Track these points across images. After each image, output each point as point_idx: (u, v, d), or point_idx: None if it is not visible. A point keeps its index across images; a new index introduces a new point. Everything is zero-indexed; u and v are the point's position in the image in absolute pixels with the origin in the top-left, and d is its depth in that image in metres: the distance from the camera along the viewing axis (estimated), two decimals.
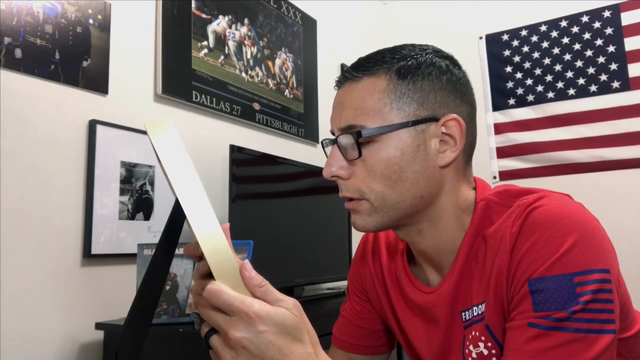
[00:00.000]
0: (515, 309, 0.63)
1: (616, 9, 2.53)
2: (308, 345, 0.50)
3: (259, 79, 2.12)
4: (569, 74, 2.61)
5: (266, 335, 0.47)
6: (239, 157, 1.69)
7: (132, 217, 1.54)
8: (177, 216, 0.50)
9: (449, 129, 0.70)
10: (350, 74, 0.72)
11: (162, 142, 0.50)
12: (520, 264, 0.63)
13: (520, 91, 2.72)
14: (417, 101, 0.69)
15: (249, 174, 1.76)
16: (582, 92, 2.57)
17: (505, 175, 2.71)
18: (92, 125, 1.46)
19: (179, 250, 1.13)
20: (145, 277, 0.53)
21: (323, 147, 0.80)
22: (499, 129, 2.76)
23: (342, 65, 2.73)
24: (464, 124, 0.70)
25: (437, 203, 0.72)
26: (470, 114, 0.74)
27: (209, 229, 0.48)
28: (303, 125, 2.36)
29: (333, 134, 0.74)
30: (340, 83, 0.74)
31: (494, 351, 0.68)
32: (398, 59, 0.71)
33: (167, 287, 1.31)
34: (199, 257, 0.50)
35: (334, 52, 2.70)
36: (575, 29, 2.62)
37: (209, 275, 0.50)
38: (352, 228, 2.24)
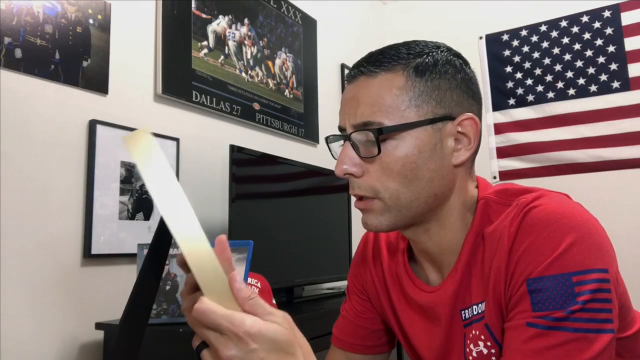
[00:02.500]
0: (513, 309, 0.63)
1: (616, 9, 2.53)
2: (300, 359, 0.50)
3: (259, 79, 2.12)
4: (569, 74, 2.61)
5: (258, 353, 0.47)
6: (239, 157, 1.69)
7: (132, 217, 1.54)
8: (164, 232, 0.49)
9: (464, 128, 0.70)
10: (366, 68, 0.70)
11: (142, 156, 0.48)
12: (519, 264, 0.63)
13: (520, 91, 2.72)
14: (435, 99, 0.68)
15: (249, 174, 1.76)
16: (582, 92, 2.57)
17: (505, 175, 2.72)
18: (92, 125, 1.46)
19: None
20: (131, 300, 0.50)
21: (327, 143, 0.78)
22: (499, 129, 2.76)
23: (342, 65, 2.73)
24: (479, 123, 0.71)
25: (447, 202, 0.71)
26: (479, 113, 0.74)
27: (194, 244, 0.46)
28: (303, 125, 2.36)
29: (342, 130, 0.72)
30: (353, 77, 0.72)
31: (493, 350, 0.68)
32: (414, 55, 0.69)
33: (167, 287, 1.31)
34: (188, 269, 0.49)
35: (334, 52, 2.69)
36: (575, 29, 2.62)
37: (198, 288, 0.49)
38: (352, 228, 2.25)
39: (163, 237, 0.50)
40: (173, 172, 0.48)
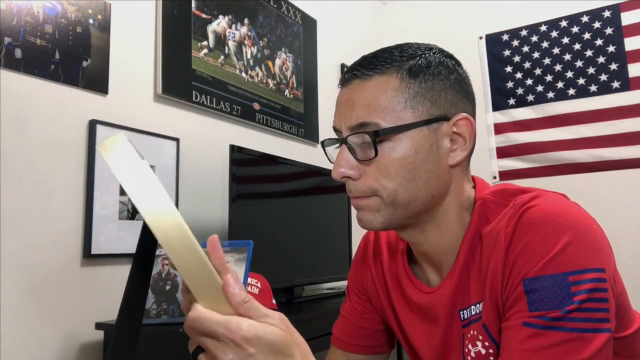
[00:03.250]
0: (510, 309, 0.63)
1: (616, 9, 2.53)
2: None
3: (259, 79, 2.12)
4: (569, 74, 2.61)
5: (256, 357, 0.47)
6: (239, 157, 1.69)
7: (132, 217, 1.54)
8: (148, 240, 0.47)
9: (460, 128, 0.70)
10: (360, 72, 0.70)
11: (119, 164, 0.45)
12: (515, 264, 0.63)
13: (520, 91, 2.72)
14: (430, 100, 0.69)
15: (249, 174, 1.76)
16: (582, 92, 2.57)
17: (505, 175, 2.72)
18: (92, 125, 1.46)
19: None
20: (124, 302, 0.48)
21: (323, 147, 0.79)
22: (499, 129, 2.76)
23: (342, 65, 2.73)
24: (474, 123, 0.71)
25: (443, 202, 0.72)
26: (474, 113, 0.74)
27: (183, 249, 0.45)
28: (303, 125, 2.36)
29: (337, 132, 0.72)
30: (346, 81, 0.72)
31: (491, 350, 0.68)
32: (407, 57, 0.70)
33: (167, 287, 1.31)
34: None
35: (334, 52, 2.70)
36: (575, 29, 2.62)
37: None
38: (352, 228, 2.25)
39: (148, 241, 0.48)
40: (155, 177, 0.46)
